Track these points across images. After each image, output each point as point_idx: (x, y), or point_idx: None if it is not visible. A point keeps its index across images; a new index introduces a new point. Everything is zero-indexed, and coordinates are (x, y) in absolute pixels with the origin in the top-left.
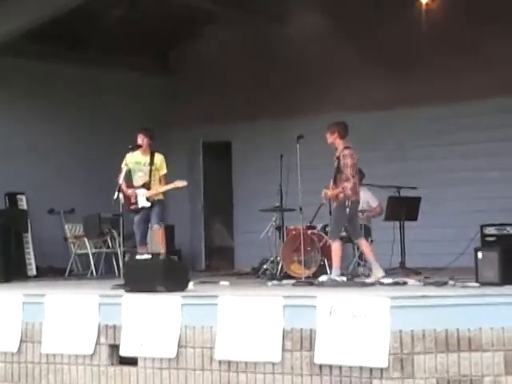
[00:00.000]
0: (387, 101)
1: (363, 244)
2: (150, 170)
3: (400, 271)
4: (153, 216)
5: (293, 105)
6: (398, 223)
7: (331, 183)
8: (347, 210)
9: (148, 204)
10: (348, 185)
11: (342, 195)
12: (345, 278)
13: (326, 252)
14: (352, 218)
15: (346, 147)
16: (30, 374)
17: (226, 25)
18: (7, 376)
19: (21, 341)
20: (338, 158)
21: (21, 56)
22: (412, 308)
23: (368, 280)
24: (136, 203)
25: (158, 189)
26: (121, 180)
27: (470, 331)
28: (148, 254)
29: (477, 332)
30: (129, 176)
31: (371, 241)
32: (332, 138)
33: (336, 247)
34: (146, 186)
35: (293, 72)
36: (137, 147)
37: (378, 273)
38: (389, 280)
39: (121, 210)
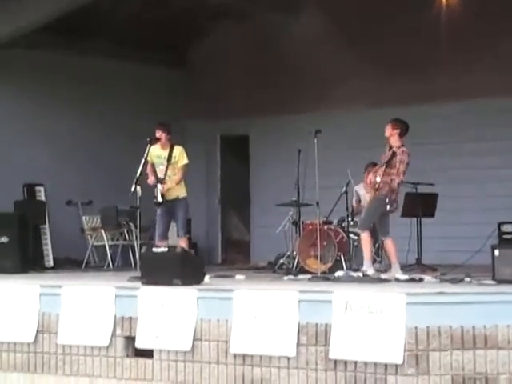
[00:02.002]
0: (403, 97)
1: (389, 243)
2: (167, 166)
3: (416, 268)
4: (179, 219)
5: (311, 99)
6: (414, 219)
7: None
8: (387, 206)
9: (160, 200)
10: (397, 179)
11: (385, 189)
12: (361, 274)
13: (343, 247)
14: (386, 215)
15: (403, 145)
16: (46, 364)
17: (242, 19)
18: (24, 366)
19: (37, 331)
20: (394, 152)
21: (36, 47)
22: (428, 305)
23: (384, 276)
24: (156, 197)
25: (165, 187)
26: (138, 173)
27: (485, 328)
28: (165, 247)
29: (493, 329)
30: (154, 169)
31: None
32: (393, 133)
33: (365, 237)
34: (162, 182)
35: (310, 67)
36: (155, 140)
37: (396, 274)
38: (405, 276)
39: (138, 202)
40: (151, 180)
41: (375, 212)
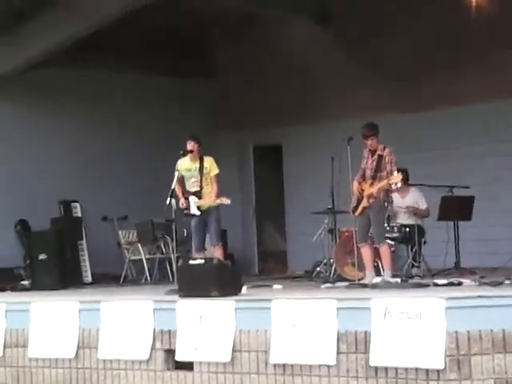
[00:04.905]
0: (437, 100)
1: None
2: (201, 178)
3: (455, 271)
4: (212, 227)
5: (343, 106)
6: (451, 223)
7: (368, 182)
8: (387, 211)
9: (198, 213)
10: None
11: (382, 194)
12: (399, 280)
13: (380, 253)
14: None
15: (385, 146)
16: (87, 380)
17: (275, 26)
18: (65, 382)
19: (78, 347)
20: (380, 155)
21: (61, 66)
22: (468, 308)
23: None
24: (189, 209)
25: (207, 201)
26: (173, 186)
27: None
28: (202, 258)
29: None
30: (182, 182)
31: (424, 242)
32: (375, 142)
33: (386, 249)
34: (197, 194)
35: (341, 73)
36: (187, 152)
37: (369, 278)
38: (443, 281)
39: (173, 215)
40: (182, 203)
41: (382, 221)
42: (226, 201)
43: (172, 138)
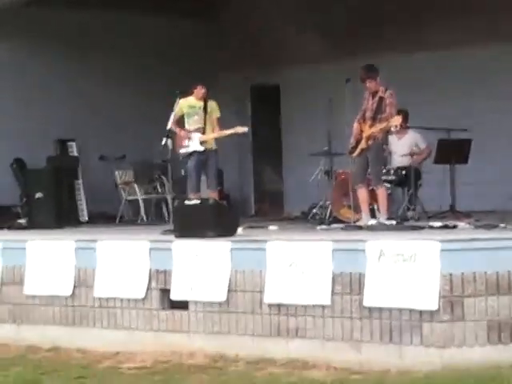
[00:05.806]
0: (440, 42)
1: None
2: (205, 116)
3: (450, 214)
4: (211, 171)
5: (342, 47)
6: (448, 166)
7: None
8: (385, 152)
9: (201, 148)
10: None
11: (381, 135)
12: (394, 222)
13: (376, 196)
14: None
15: (386, 88)
16: (83, 318)
17: None
18: (62, 319)
19: (74, 285)
20: (381, 97)
21: (59, 5)
22: (462, 251)
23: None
24: (188, 146)
25: (217, 133)
26: (169, 126)
27: None
28: (197, 199)
29: None
30: (181, 121)
31: (420, 184)
32: (375, 84)
33: (383, 192)
34: (201, 130)
35: (344, 14)
36: (185, 93)
37: (364, 220)
38: (439, 223)
39: (169, 155)
40: (184, 133)
41: (380, 162)
42: (242, 129)
43: (170, 79)
